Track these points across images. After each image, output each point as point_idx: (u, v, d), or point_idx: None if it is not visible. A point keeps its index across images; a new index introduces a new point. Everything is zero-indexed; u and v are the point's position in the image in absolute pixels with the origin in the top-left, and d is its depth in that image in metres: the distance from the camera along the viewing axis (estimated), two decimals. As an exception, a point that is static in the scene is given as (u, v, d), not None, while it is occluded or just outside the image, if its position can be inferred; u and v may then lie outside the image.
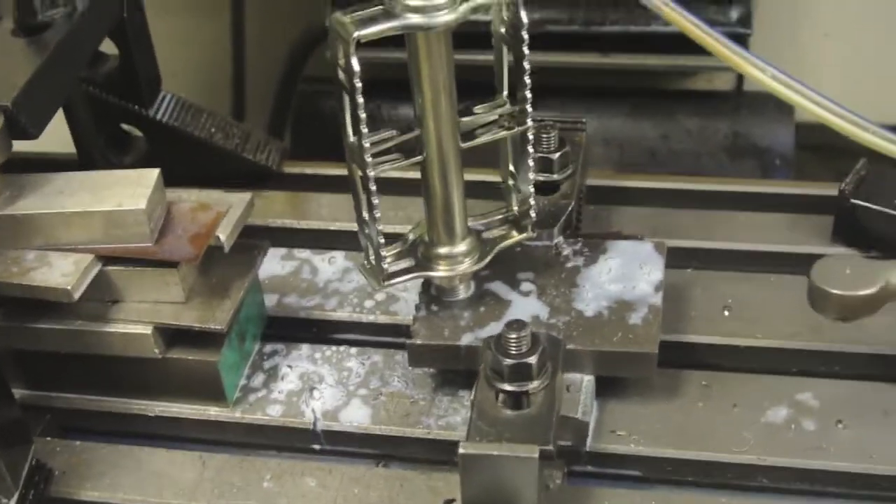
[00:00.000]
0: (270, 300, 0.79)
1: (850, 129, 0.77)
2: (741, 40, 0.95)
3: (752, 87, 1.11)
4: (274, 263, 0.82)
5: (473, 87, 0.69)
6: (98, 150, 0.85)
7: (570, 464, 0.68)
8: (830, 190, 0.80)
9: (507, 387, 0.63)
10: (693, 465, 0.68)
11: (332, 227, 0.84)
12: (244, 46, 1.33)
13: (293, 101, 1.25)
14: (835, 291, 0.62)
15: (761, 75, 0.78)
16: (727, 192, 0.84)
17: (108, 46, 0.82)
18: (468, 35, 0.67)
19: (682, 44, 0.84)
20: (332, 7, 1.06)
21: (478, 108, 0.68)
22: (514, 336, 0.63)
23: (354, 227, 0.72)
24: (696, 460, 0.68)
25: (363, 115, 0.62)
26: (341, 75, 0.63)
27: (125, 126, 0.87)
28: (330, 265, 0.82)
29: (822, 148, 1.11)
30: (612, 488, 0.67)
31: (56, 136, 0.79)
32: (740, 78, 1.11)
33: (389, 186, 0.76)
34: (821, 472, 0.66)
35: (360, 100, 0.62)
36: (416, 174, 0.69)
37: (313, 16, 1.20)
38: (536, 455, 0.59)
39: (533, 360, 0.63)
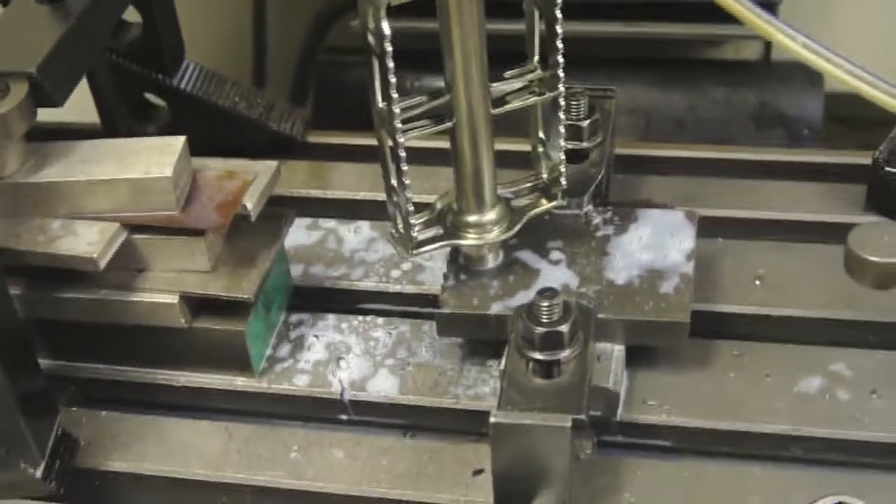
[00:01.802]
0: (296, 270, 0.78)
1: (881, 98, 0.76)
2: (771, 8, 0.94)
3: (780, 57, 1.09)
4: (299, 233, 0.81)
5: (504, 56, 0.68)
6: (122, 120, 0.85)
7: (601, 434, 0.67)
8: (863, 158, 0.79)
9: (539, 355, 0.62)
10: (725, 435, 0.67)
11: (357, 197, 0.84)
12: (266, 16, 1.32)
13: (315, 72, 1.24)
14: (872, 258, 0.61)
15: (792, 43, 0.77)
16: (757, 161, 0.83)
17: (131, 14, 0.81)
18: (499, 3, 0.66)
19: (709, 12, 0.83)
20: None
21: (508, 74, 0.67)
22: (545, 304, 0.62)
23: (379, 196, 0.71)
24: (728, 430, 0.67)
25: (393, 80, 0.61)
26: (371, 39, 0.62)
27: (148, 95, 0.86)
28: (355, 235, 0.81)
29: (851, 119, 1.10)
30: (642, 458, 0.67)
31: (80, 106, 0.78)
32: (768, 47, 1.10)
33: (415, 156, 0.75)
34: (855, 443, 0.66)
35: (391, 64, 0.61)
36: (442, 143, 0.68)
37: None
38: (569, 425, 0.59)
39: (565, 328, 0.62)
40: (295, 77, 1.31)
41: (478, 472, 0.66)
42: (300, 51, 1.29)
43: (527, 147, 0.72)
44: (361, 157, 0.86)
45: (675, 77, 1.08)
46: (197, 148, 0.72)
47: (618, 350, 0.68)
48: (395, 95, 0.62)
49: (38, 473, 0.65)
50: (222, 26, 1.37)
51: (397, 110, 0.63)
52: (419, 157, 0.76)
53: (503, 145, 0.70)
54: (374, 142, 0.67)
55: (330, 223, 0.82)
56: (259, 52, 1.35)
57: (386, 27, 0.60)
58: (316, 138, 0.90)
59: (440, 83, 0.66)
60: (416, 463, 0.67)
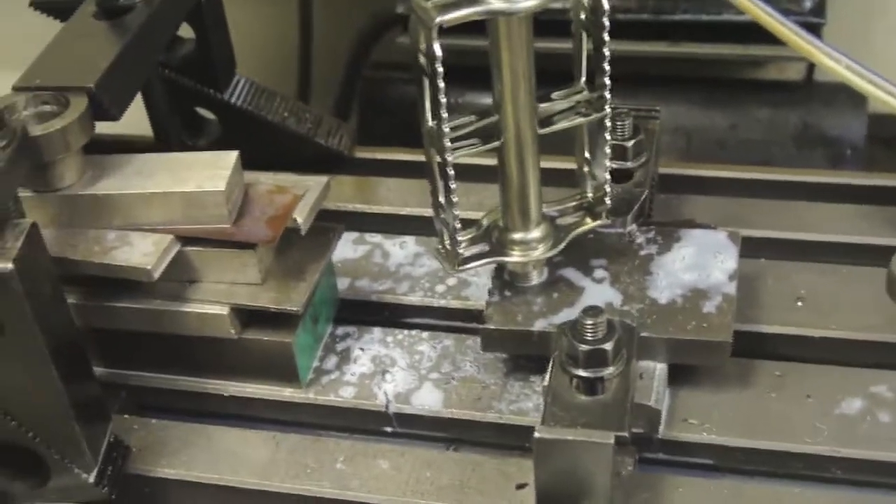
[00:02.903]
0: (342, 283, 0.79)
1: (925, 121, 0.77)
2: (815, 30, 0.95)
3: (823, 78, 1.10)
4: (346, 247, 0.82)
5: (551, 75, 0.69)
6: (174, 133, 0.87)
7: (642, 451, 0.68)
8: (907, 181, 0.79)
9: (583, 372, 0.63)
10: (766, 454, 0.68)
11: (402, 212, 0.85)
12: (312, 31, 1.34)
13: (360, 87, 1.25)
14: (915, 283, 0.62)
15: (836, 65, 0.78)
16: (800, 183, 0.84)
17: (184, 30, 0.83)
18: (548, 22, 0.68)
19: (753, 33, 0.84)
20: (402, -8, 1.07)
21: (556, 95, 0.68)
22: (590, 322, 0.63)
23: (425, 212, 0.72)
24: (768, 450, 0.68)
25: (444, 100, 0.63)
26: (422, 60, 0.63)
27: (200, 109, 0.88)
28: (401, 249, 0.82)
29: (894, 141, 1.10)
30: (683, 476, 0.67)
31: (132, 119, 0.80)
32: (811, 68, 1.10)
33: (460, 172, 0.76)
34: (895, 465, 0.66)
35: (442, 85, 0.62)
36: (488, 160, 0.69)
37: (382, 1, 1.20)
38: (612, 441, 0.60)
39: (609, 346, 0.63)
40: (340, 92, 1.32)
41: (521, 486, 0.67)
42: (345, 66, 1.30)
43: (572, 165, 0.73)
44: (407, 172, 0.88)
45: (717, 97, 1.09)
46: (246, 161, 0.73)
47: (660, 368, 0.69)
48: (445, 115, 0.63)
49: (91, 479, 0.66)
50: (268, 41, 1.39)
51: (447, 129, 0.64)
52: (465, 173, 0.77)
53: (549, 163, 0.71)
54: (419, 157, 0.69)
55: (376, 237, 0.84)
56: (304, 67, 1.37)
57: (437, 48, 0.61)
58: (362, 153, 0.91)
59: (484, 100, 0.67)
60: (459, 476, 0.68)
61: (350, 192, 0.88)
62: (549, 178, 0.72)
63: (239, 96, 0.87)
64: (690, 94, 1.10)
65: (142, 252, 0.69)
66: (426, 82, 0.64)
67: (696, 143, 1.09)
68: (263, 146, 0.85)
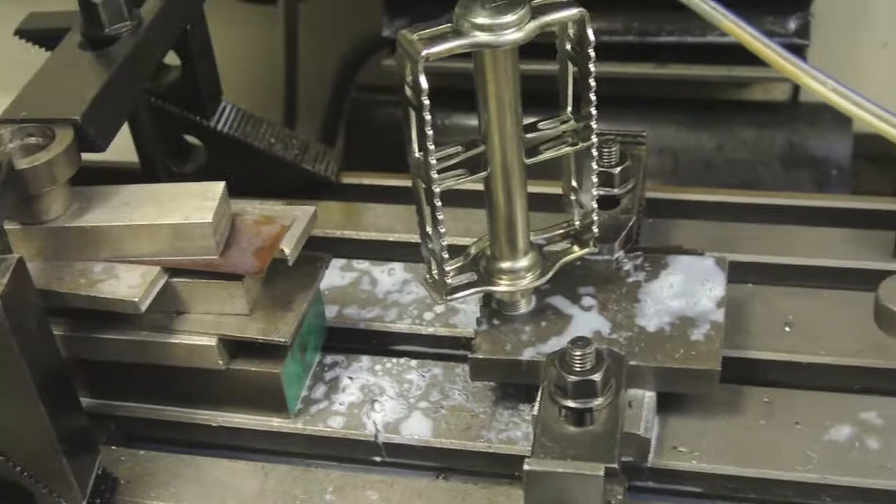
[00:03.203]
0: (330, 311, 0.79)
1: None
2: (799, 51, 0.95)
3: (808, 98, 1.10)
4: (333, 274, 0.82)
5: (537, 97, 0.69)
6: (160, 160, 0.87)
7: (632, 479, 0.68)
8: (893, 205, 0.80)
9: (571, 403, 0.63)
10: (755, 482, 0.68)
11: (390, 238, 0.85)
12: (297, 54, 1.34)
13: (346, 110, 1.25)
14: (903, 311, 0.62)
15: (821, 87, 0.78)
16: (786, 206, 0.84)
17: (170, 57, 0.83)
18: (534, 45, 0.67)
19: (738, 55, 0.84)
20: (388, 17, 1.07)
21: (542, 125, 0.68)
22: (578, 353, 0.63)
23: (412, 238, 0.72)
24: (758, 478, 0.68)
25: (430, 132, 0.63)
26: (408, 92, 0.63)
27: (186, 136, 0.88)
28: (389, 276, 0.82)
29: (880, 159, 1.11)
30: (673, 504, 0.68)
31: (118, 146, 0.80)
32: (797, 88, 1.11)
33: (447, 197, 0.76)
34: (885, 492, 0.66)
35: (428, 117, 0.62)
36: (474, 186, 0.69)
37: (367, 25, 1.21)
38: (602, 473, 0.60)
39: (597, 377, 0.63)
40: (326, 114, 1.33)
41: (510, 516, 0.67)
42: (331, 89, 1.30)
43: (559, 189, 0.73)
44: (394, 197, 0.88)
45: (703, 118, 1.09)
46: (233, 188, 0.73)
47: (649, 396, 0.69)
48: (432, 147, 0.63)
49: (79, 512, 0.66)
50: (253, 65, 1.39)
51: (433, 161, 0.64)
52: (452, 198, 0.77)
53: (536, 188, 0.71)
54: (406, 182, 0.69)
55: (363, 264, 0.84)
56: (290, 90, 1.37)
57: (423, 81, 0.61)
58: (349, 179, 0.91)
59: (470, 121, 0.67)
60: (449, 506, 0.68)
61: (337, 219, 0.88)
62: (537, 203, 0.72)
63: (225, 123, 0.87)
64: (676, 115, 1.10)
65: (129, 284, 0.69)
66: (412, 114, 0.64)
67: (682, 163, 1.10)
68: (250, 173, 0.85)
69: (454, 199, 0.78)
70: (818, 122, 1.08)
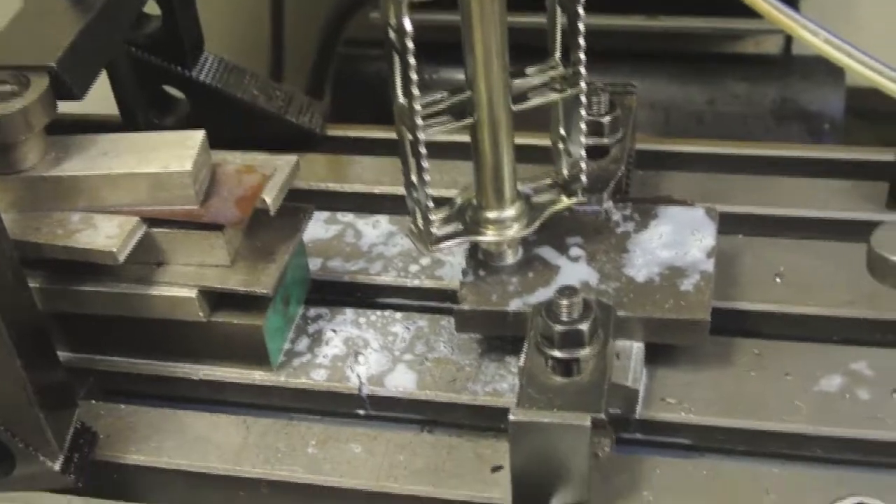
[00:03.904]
0: (314, 264, 0.78)
1: (902, 93, 0.76)
2: (792, 2, 0.94)
3: (801, 51, 1.09)
4: (317, 227, 0.81)
5: (525, 50, 0.67)
6: (141, 112, 0.85)
7: (620, 431, 0.67)
8: (886, 155, 0.78)
9: (558, 353, 0.62)
10: (744, 433, 0.67)
11: (375, 191, 0.84)
12: (283, 9, 1.32)
13: (332, 65, 1.23)
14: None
15: (813, 38, 0.77)
16: (778, 157, 0.83)
17: (151, 7, 0.81)
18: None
19: (729, 6, 0.82)
20: (374, -32, 1.05)
21: (530, 71, 0.66)
22: (565, 302, 0.62)
23: (398, 190, 0.71)
24: (747, 429, 0.67)
25: (415, 77, 0.61)
26: (392, 36, 0.61)
27: (168, 87, 0.86)
28: (374, 229, 0.81)
29: (873, 113, 1.09)
30: (661, 456, 0.66)
31: (99, 97, 0.79)
32: (789, 41, 1.09)
33: (433, 150, 0.74)
34: (875, 443, 0.65)
35: (413, 61, 0.61)
36: (460, 137, 0.68)
37: (354, -23, 1.19)
38: (588, 423, 0.59)
39: (585, 326, 0.62)
40: (313, 70, 1.31)
41: (496, 468, 0.66)
42: (318, 43, 1.28)
43: (547, 141, 0.71)
44: (380, 150, 0.86)
45: (694, 71, 1.08)
46: (215, 140, 0.72)
47: (637, 348, 0.68)
48: (417, 92, 0.62)
49: (57, 466, 0.65)
50: (240, 19, 1.37)
51: (418, 107, 0.63)
52: (438, 150, 0.76)
53: (524, 140, 0.70)
54: (393, 135, 0.67)
55: (348, 217, 0.82)
56: (277, 46, 1.35)
57: (408, 23, 0.60)
58: (334, 131, 0.90)
59: (458, 75, 0.66)
60: (434, 459, 0.67)
61: (322, 171, 0.86)
62: (526, 155, 0.71)
63: (207, 74, 0.85)
64: (668, 68, 1.09)
65: (106, 234, 0.67)
66: (397, 59, 0.63)
67: (673, 118, 1.08)
68: (233, 124, 0.84)
69: (441, 151, 0.77)
70: (811, 76, 1.07)
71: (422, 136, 0.64)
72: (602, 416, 0.60)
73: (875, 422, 0.65)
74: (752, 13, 0.76)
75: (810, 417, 0.66)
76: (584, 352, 0.62)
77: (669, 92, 1.08)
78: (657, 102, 1.07)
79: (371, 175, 0.85)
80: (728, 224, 0.76)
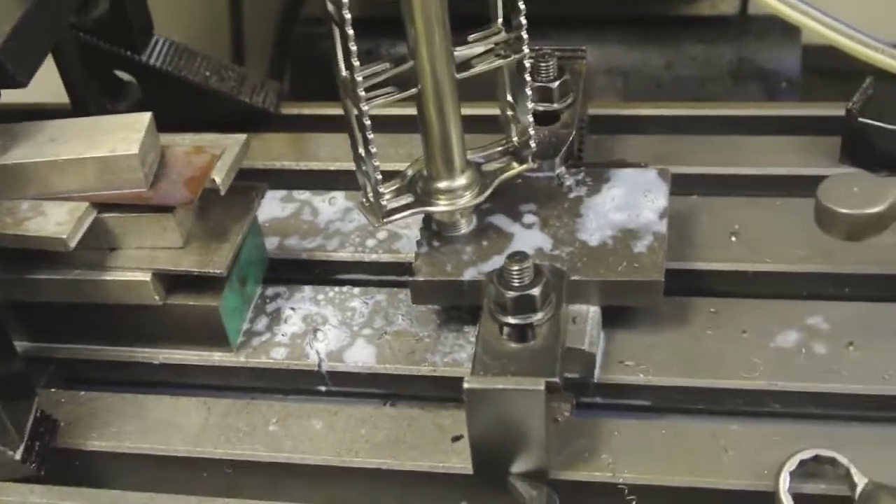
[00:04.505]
0: (271, 243, 0.78)
1: (857, 49, 0.76)
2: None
3: (756, 11, 1.09)
4: (274, 206, 0.81)
5: (467, 18, 0.67)
6: (91, 98, 0.84)
7: (579, 396, 0.67)
8: (837, 110, 0.78)
9: (511, 320, 0.62)
10: (703, 392, 0.67)
11: (331, 168, 0.83)
12: (240, -10, 1.32)
13: (292, 44, 1.23)
14: (842, 210, 0.61)
15: (768, -3, 0.77)
16: (731, 117, 0.83)
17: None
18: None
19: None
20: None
21: (472, 37, 0.66)
22: (516, 268, 0.62)
23: (354, 166, 0.70)
24: (705, 388, 0.67)
25: (354, 48, 0.61)
26: (330, 7, 0.61)
27: (118, 72, 0.86)
28: (330, 206, 0.81)
29: (831, 71, 1.09)
30: (621, 419, 0.66)
31: (49, 86, 0.78)
32: (745, 1, 1.09)
33: (387, 123, 0.75)
34: (833, 395, 0.65)
35: (350, 32, 0.60)
36: (413, 110, 0.68)
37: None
38: (542, 388, 0.59)
39: (536, 291, 0.62)
40: (273, 50, 1.30)
41: (456, 438, 0.66)
42: (276, 23, 1.28)
43: (496, 111, 0.71)
44: (336, 126, 0.85)
45: (651, 35, 1.08)
46: (169, 123, 0.71)
47: (593, 311, 0.68)
48: (357, 63, 0.62)
49: (18, 455, 0.65)
50: (198, 2, 1.36)
51: (360, 78, 0.63)
52: (391, 124, 0.76)
53: (474, 110, 0.70)
54: (347, 111, 0.67)
55: (304, 195, 0.82)
56: (236, 26, 1.34)
57: (344, -7, 0.59)
58: (289, 109, 0.89)
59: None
60: (394, 431, 0.67)
61: (278, 150, 0.86)
62: (477, 125, 0.71)
63: (158, 57, 0.85)
64: (624, 33, 1.08)
65: (56, 221, 0.67)
66: (337, 31, 0.62)
67: (632, 83, 1.08)
68: (186, 106, 0.84)
69: (394, 124, 0.77)
70: (767, 35, 1.07)
71: (365, 107, 0.63)
72: (556, 380, 0.60)
73: (832, 375, 0.66)
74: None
75: (768, 373, 0.66)
76: (537, 317, 0.62)
77: (627, 57, 1.08)
78: (615, 68, 1.07)
79: (327, 152, 0.85)
80: (683, 185, 0.76)
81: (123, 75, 0.86)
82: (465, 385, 0.59)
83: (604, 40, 1.07)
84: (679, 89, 1.05)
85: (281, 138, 0.87)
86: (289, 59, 1.25)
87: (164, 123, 0.71)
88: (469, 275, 0.68)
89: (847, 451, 0.60)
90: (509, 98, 0.69)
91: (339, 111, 0.85)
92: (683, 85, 1.06)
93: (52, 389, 0.72)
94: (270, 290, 0.75)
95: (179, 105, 0.83)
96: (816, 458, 0.60)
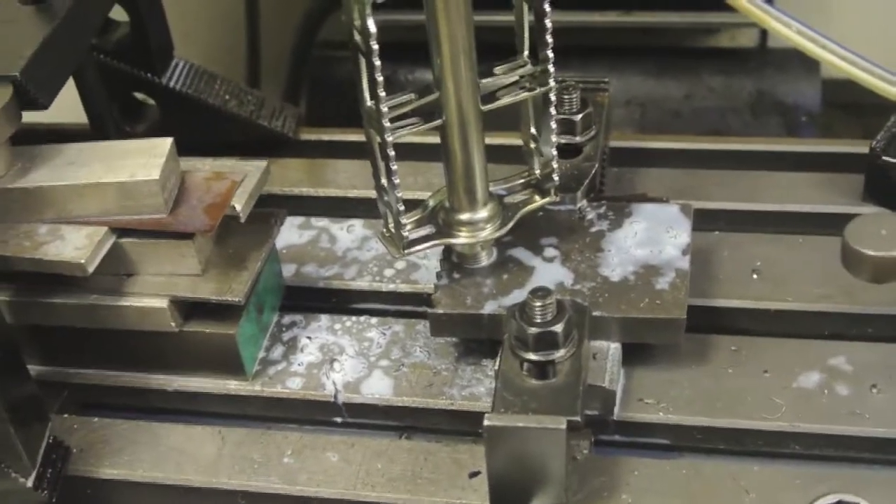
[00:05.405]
0: (288, 270, 0.77)
1: (877, 84, 0.76)
2: (766, -5, 0.93)
3: (776, 44, 1.08)
4: (291, 232, 0.80)
5: (493, 48, 0.67)
6: (111, 120, 0.84)
7: (598, 433, 0.67)
8: (861, 147, 0.78)
9: (533, 356, 0.61)
10: (723, 432, 0.66)
11: (350, 195, 0.83)
12: (258, 11, 1.31)
13: (308, 68, 1.23)
14: (869, 252, 0.60)
15: (786, 30, 0.77)
16: (753, 152, 0.82)
17: (118, 13, 0.81)
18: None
19: (705, 1, 0.82)
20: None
21: (498, 69, 0.66)
22: (538, 304, 0.62)
23: (373, 194, 0.70)
24: (726, 428, 0.66)
25: (380, 79, 0.60)
26: (357, 37, 0.61)
27: (138, 94, 0.85)
28: (348, 233, 0.80)
29: (851, 105, 1.09)
30: (640, 457, 0.66)
31: (69, 107, 0.78)
32: (764, 34, 1.09)
33: (407, 152, 0.74)
34: (855, 438, 0.65)
35: (377, 62, 0.60)
36: (435, 139, 0.67)
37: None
38: (564, 427, 0.58)
39: (559, 328, 0.61)
40: (289, 72, 1.30)
41: (474, 474, 0.65)
42: (293, 46, 1.28)
43: (519, 141, 0.70)
44: (354, 153, 0.85)
45: (670, 66, 1.08)
46: (187, 146, 0.71)
47: (614, 348, 0.67)
48: (383, 94, 0.61)
49: (30, 483, 0.64)
50: (216, 23, 1.36)
51: (385, 109, 0.62)
52: (411, 152, 0.75)
53: (496, 139, 0.70)
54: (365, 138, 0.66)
55: (322, 222, 0.81)
56: (252, 51, 1.34)
57: (372, 25, 0.59)
58: (308, 135, 0.89)
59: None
60: (411, 465, 0.66)
61: (296, 176, 0.85)
62: (498, 155, 0.70)
63: (177, 80, 0.84)
64: (643, 64, 1.08)
65: (75, 246, 0.66)
66: (362, 60, 0.62)
67: (650, 113, 1.08)
68: (205, 130, 0.83)
69: (414, 152, 0.77)
70: (787, 68, 1.06)
71: (390, 138, 0.63)
72: (578, 418, 0.59)
73: (854, 417, 0.65)
74: (726, 7, 0.76)
75: (789, 414, 0.66)
76: (559, 353, 0.61)
77: (645, 88, 1.07)
78: (633, 98, 1.07)
79: (345, 179, 0.84)
80: (704, 220, 0.75)
81: (142, 97, 0.86)
82: (486, 422, 0.59)
83: (623, 71, 1.07)
84: (697, 121, 1.05)
85: (299, 164, 0.87)
86: (305, 83, 1.25)
87: (183, 146, 0.70)
88: (489, 308, 0.68)
89: (870, 496, 0.60)
90: (533, 131, 0.69)
91: (357, 137, 0.85)
92: (702, 116, 1.05)
93: (66, 415, 0.71)
94: (287, 319, 0.75)
95: (198, 128, 0.82)
96: (839, 503, 0.59)
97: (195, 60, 0.86)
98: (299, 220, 0.81)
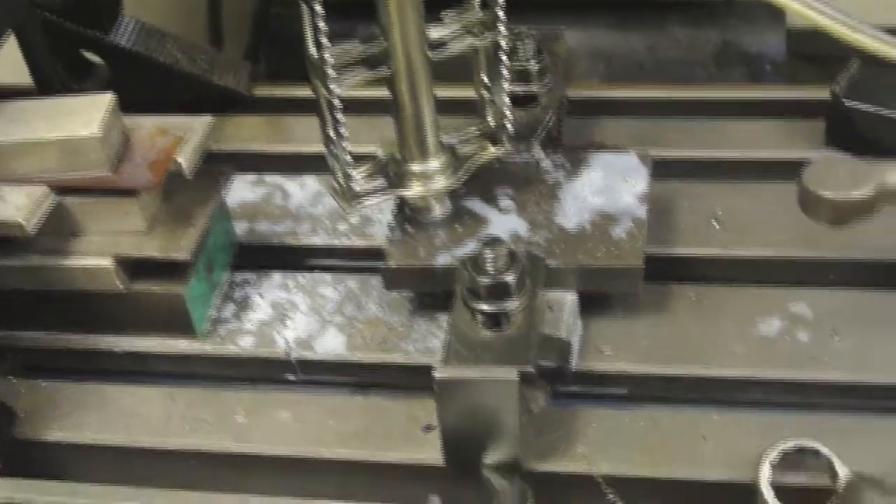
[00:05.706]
0: (241, 228, 0.76)
1: (841, 31, 0.75)
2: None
3: (741, -7, 1.07)
4: (244, 189, 0.79)
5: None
6: (56, 79, 0.82)
7: (555, 384, 0.65)
8: (822, 93, 0.76)
9: (485, 307, 0.60)
10: (682, 381, 0.65)
11: (304, 151, 0.81)
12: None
13: (268, 26, 1.20)
14: (827, 195, 0.59)
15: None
16: (715, 100, 0.81)
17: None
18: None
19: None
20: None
21: (446, 16, 0.64)
22: (490, 254, 0.60)
23: (326, 149, 0.68)
24: (685, 376, 0.65)
25: (323, 27, 0.59)
26: (297, -17, 0.59)
27: (86, 53, 0.83)
28: (302, 190, 0.79)
29: (816, 56, 1.07)
30: (598, 408, 0.65)
31: (14, 66, 0.76)
32: (730, -17, 1.07)
33: (361, 107, 0.72)
34: (816, 384, 0.64)
35: (319, 9, 0.58)
36: (386, 92, 0.65)
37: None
38: (515, 377, 0.57)
39: (511, 278, 0.60)
40: (250, 32, 1.27)
41: (428, 428, 0.64)
42: (253, 5, 1.25)
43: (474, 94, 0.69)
44: (309, 109, 0.83)
45: (634, 18, 1.05)
46: (138, 105, 0.69)
47: (571, 299, 0.66)
48: (326, 43, 0.59)
49: (-26, 448, 0.63)
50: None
51: (329, 58, 0.60)
52: (365, 107, 0.74)
53: (450, 92, 0.68)
54: (321, 93, 0.65)
55: (275, 178, 0.80)
56: (213, 9, 1.31)
57: (311, -31, 0.57)
58: (263, 91, 0.87)
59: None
60: (365, 422, 0.65)
61: (249, 132, 0.84)
62: (454, 108, 0.69)
63: (126, 38, 0.82)
64: (606, 16, 1.06)
65: (15, 206, 0.65)
66: (305, 9, 0.60)
67: (615, 66, 1.06)
68: (156, 89, 0.82)
69: (367, 107, 0.75)
70: (752, 18, 1.04)
71: (335, 88, 0.61)
72: (530, 368, 0.58)
73: (815, 363, 0.64)
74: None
75: (749, 362, 0.65)
76: (512, 304, 0.60)
77: (610, 40, 1.05)
78: (597, 52, 1.05)
79: (299, 135, 0.83)
80: (664, 169, 0.74)
81: (92, 56, 0.84)
82: (436, 374, 0.58)
83: (587, 22, 1.05)
84: (662, 73, 1.03)
85: (253, 121, 0.85)
86: (265, 41, 1.22)
87: (134, 106, 0.69)
88: (442, 260, 0.66)
89: (829, 442, 0.58)
90: (485, 80, 0.67)
91: (312, 93, 0.84)
92: (667, 68, 1.03)
93: (11, 378, 0.70)
94: (239, 277, 0.73)
95: (149, 87, 0.81)
96: (798, 449, 0.58)
97: (155, 20, 0.84)
98: (252, 177, 0.80)
